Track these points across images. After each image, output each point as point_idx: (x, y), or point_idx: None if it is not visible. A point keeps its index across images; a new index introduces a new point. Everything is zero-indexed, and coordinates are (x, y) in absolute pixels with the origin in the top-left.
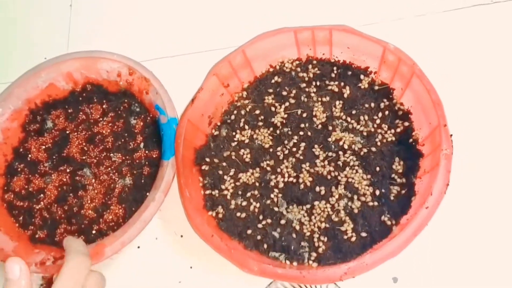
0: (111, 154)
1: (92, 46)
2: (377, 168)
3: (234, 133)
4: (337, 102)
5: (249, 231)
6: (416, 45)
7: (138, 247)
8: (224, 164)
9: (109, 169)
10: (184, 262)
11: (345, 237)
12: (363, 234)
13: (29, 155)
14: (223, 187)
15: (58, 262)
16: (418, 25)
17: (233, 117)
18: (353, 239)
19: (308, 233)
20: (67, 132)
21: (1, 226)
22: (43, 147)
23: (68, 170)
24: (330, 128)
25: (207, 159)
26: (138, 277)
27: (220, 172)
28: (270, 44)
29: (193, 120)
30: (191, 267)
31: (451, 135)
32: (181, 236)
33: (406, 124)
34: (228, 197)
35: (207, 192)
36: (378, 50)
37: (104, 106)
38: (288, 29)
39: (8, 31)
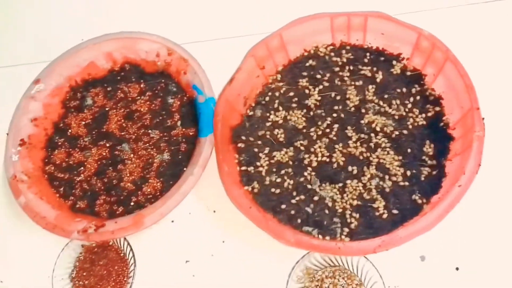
0: (149, 131)
1: (129, 28)
2: (408, 150)
3: (268, 114)
4: (370, 86)
5: (283, 206)
6: (448, 34)
7: (172, 221)
8: (259, 142)
9: (147, 145)
10: (216, 236)
11: (377, 213)
12: (394, 211)
13: (69, 130)
14: (258, 164)
15: (99, 230)
16: (450, 14)
17: (267, 98)
18: (385, 216)
19: (340, 210)
20: (106, 109)
21: (43, 196)
22: (83, 122)
23: (107, 145)
24: (363, 111)
25: (243, 137)
26: (172, 250)
27: (255, 150)
28: (306, 29)
29: (230, 100)
30: (223, 241)
31: (483, 119)
32: (214, 211)
33: (437, 109)
34: (263, 173)
35: (243, 168)
36: (412, 36)
37: (141, 86)
38: (325, 14)
39: (50, 12)
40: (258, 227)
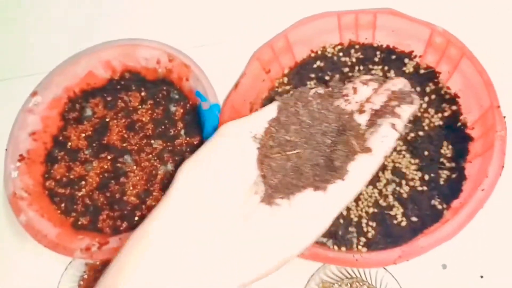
0: (152, 141)
1: (128, 35)
2: (425, 153)
3: None
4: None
5: None
6: (462, 29)
7: None
8: None
9: (150, 156)
10: None
11: (395, 221)
12: (414, 219)
13: (69, 143)
14: None
15: (103, 248)
16: (464, 9)
17: None
18: (403, 223)
19: (355, 218)
20: (107, 119)
21: (44, 213)
22: (83, 135)
23: (109, 157)
24: None
25: None
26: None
27: None
28: (313, 28)
29: (236, 106)
30: None
31: (504, 117)
32: None
33: (454, 108)
34: None
35: None
36: (425, 33)
37: (142, 94)
38: (332, 13)
39: (45, 22)
40: None
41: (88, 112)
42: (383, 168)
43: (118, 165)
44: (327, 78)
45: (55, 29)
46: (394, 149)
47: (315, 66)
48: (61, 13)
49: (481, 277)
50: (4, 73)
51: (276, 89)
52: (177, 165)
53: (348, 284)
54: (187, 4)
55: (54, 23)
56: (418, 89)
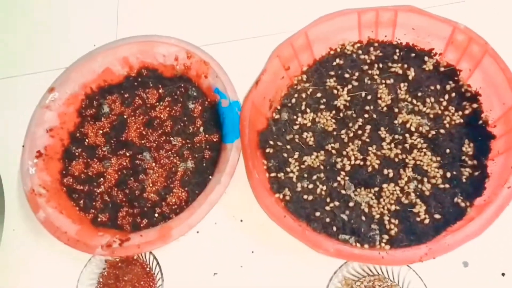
0: (171, 138)
1: (145, 32)
2: (447, 150)
3: (295, 117)
4: (402, 84)
5: (317, 213)
6: (483, 26)
7: (198, 232)
8: (288, 147)
9: (170, 153)
10: (245, 246)
11: (418, 219)
12: (437, 216)
13: (87, 140)
14: (288, 169)
15: (124, 244)
16: (485, 6)
17: (293, 100)
18: (426, 221)
19: (377, 216)
20: (125, 116)
21: (63, 210)
22: (101, 131)
23: (127, 154)
24: (396, 110)
25: (271, 142)
26: (199, 263)
27: (285, 155)
28: (332, 26)
29: (256, 103)
30: (252, 252)
31: None
32: (241, 220)
33: (475, 105)
34: (294, 179)
35: (272, 174)
36: (446, 30)
37: (160, 91)
38: (352, 11)
39: (63, 18)
40: (294, 237)
41: (105, 109)
42: (404, 165)
43: (137, 162)
44: (346, 75)
45: (73, 25)
46: (415, 147)
47: (334, 63)
48: (79, 9)
49: (503, 274)
50: (20, 69)
51: (295, 87)
52: (197, 161)
53: (370, 282)
54: (205, 1)
55: (71, 19)
56: (438, 87)
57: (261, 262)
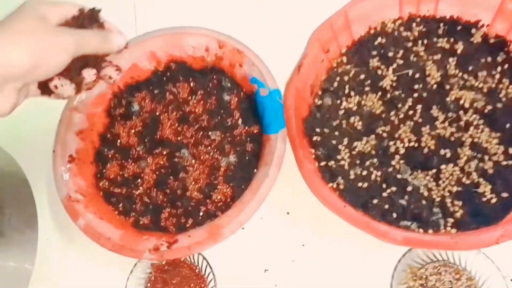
0: (209, 133)
1: (171, 24)
2: (506, 125)
3: (339, 101)
4: (451, 59)
5: (374, 201)
6: None
7: (243, 228)
8: (336, 133)
9: (209, 148)
10: (294, 240)
11: (483, 199)
12: (504, 195)
13: (119, 141)
14: (338, 157)
15: (173, 246)
16: None
17: (335, 84)
18: (493, 200)
19: (438, 199)
20: (157, 113)
21: (102, 215)
22: (133, 131)
23: (164, 153)
24: (447, 87)
25: (317, 130)
26: (248, 260)
27: (334, 142)
28: (372, 4)
29: (299, 89)
30: (303, 245)
31: None
32: (287, 213)
33: None
34: (346, 167)
35: (322, 163)
36: (494, 0)
37: (191, 84)
38: None
39: None
40: (357, 228)
41: (135, 107)
42: (461, 144)
43: (176, 160)
44: (390, 54)
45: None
46: (471, 124)
47: (376, 43)
48: (101, 4)
49: None
50: None
51: (335, 70)
52: (239, 155)
53: (435, 268)
54: None
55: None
56: (488, 59)
57: (313, 255)
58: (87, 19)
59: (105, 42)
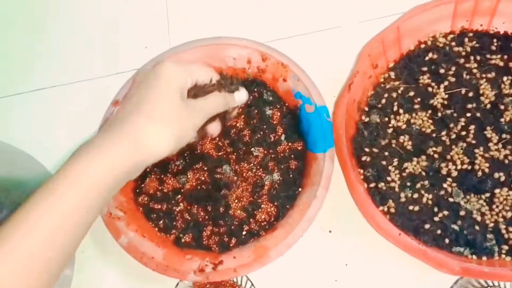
0: (252, 149)
1: (208, 34)
2: None
3: (387, 119)
4: (505, 78)
5: (426, 226)
6: None
7: None
8: (386, 153)
9: (252, 165)
10: (337, 259)
11: None
12: None
13: None
14: (388, 178)
15: (218, 268)
16: None
17: (383, 100)
18: None
19: (491, 224)
20: None
21: (144, 233)
22: None
23: (205, 168)
24: (502, 107)
25: (366, 149)
26: (290, 280)
27: (383, 162)
28: (425, 17)
29: (349, 108)
30: (346, 265)
31: None
32: (330, 231)
33: None
34: (396, 189)
35: (371, 185)
36: None
37: None
38: (448, 0)
39: (108, 23)
40: (412, 256)
41: None
42: None
43: (217, 176)
44: (442, 71)
45: (133, 30)
46: None
47: (427, 58)
48: (140, 13)
49: None
50: (76, 75)
51: (382, 85)
52: (283, 173)
53: None
54: None
55: (131, 23)
56: None
57: (357, 275)
58: (221, 86)
59: (228, 104)
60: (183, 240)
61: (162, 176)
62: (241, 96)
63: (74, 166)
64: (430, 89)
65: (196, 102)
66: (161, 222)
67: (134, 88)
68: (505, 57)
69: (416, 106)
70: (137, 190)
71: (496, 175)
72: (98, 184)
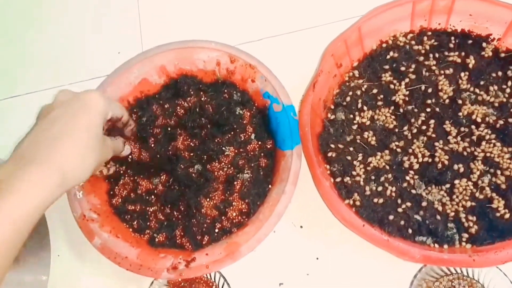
0: (223, 148)
1: (179, 37)
2: None
3: (352, 116)
4: (462, 74)
5: (390, 217)
6: None
7: None
8: (351, 149)
9: (223, 164)
10: (309, 253)
11: (497, 214)
12: None
13: (130, 156)
14: (354, 173)
15: (191, 265)
16: None
17: (348, 98)
18: (507, 216)
19: (452, 213)
20: (168, 128)
21: (118, 233)
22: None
23: (177, 169)
24: (459, 102)
25: (332, 145)
26: (262, 274)
27: (348, 157)
28: (385, 18)
29: (314, 106)
30: (317, 258)
31: None
32: (301, 227)
33: None
34: (361, 183)
35: (337, 179)
36: (506, 15)
37: (202, 99)
38: (407, 0)
39: (81, 29)
40: (376, 246)
41: (145, 122)
42: (474, 159)
43: (189, 176)
44: (403, 69)
45: (106, 35)
46: (483, 138)
47: (388, 57)
48: (107, 20)
49: None
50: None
51: (347, 84)
52: (253, 171)
53: (449, 282)
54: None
55: (104, 29)
56: (499, 73)
57: (328, 269)
58: (123, 126)
59: (121, 148)
60: (157, 240)
61: (136, 178)
62: (128, 148)
63: (8, 198)
64: (392, 86)
65: (110, 141)
66: (135, 222)
67: (56, 111)
68: (463, 53)
69: (379, 103)
70: (111, 192)
71: (456, 166)
72: (28, 218)
